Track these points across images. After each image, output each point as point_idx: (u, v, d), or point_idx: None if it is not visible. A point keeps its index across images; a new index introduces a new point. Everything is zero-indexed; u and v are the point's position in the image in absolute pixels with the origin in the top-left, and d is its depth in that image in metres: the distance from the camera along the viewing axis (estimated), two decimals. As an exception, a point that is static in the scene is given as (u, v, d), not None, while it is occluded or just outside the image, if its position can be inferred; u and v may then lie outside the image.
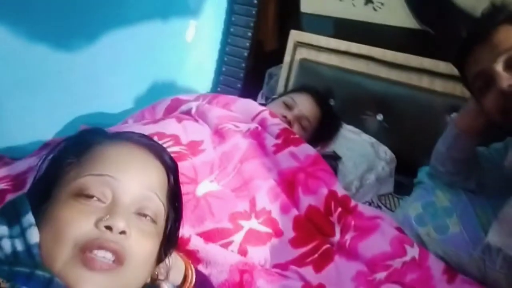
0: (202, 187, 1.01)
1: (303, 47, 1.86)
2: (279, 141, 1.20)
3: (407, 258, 1.02)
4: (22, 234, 0.55)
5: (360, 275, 0.98)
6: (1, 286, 0.48)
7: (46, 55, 1.43)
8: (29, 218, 0.57)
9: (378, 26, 1.70)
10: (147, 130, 1.07)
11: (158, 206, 0.63)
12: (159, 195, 0.64)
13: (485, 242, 0.92)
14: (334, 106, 1.67)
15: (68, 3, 1.47)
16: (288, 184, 1.12)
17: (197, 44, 1.94)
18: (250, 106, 1.35)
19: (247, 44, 2.00)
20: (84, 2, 1.53)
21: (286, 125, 1.28)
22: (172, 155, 0.71)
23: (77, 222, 0.55)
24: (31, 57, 1.40)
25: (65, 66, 1.50)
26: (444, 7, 1.51)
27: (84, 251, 0.54)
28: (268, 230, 1.01)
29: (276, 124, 1.25)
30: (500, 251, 0.90)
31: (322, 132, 1.50)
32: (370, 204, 1.37)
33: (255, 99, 1.67)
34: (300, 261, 0.98)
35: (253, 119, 1.28)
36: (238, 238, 0.96)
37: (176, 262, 0.71)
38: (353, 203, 1.13)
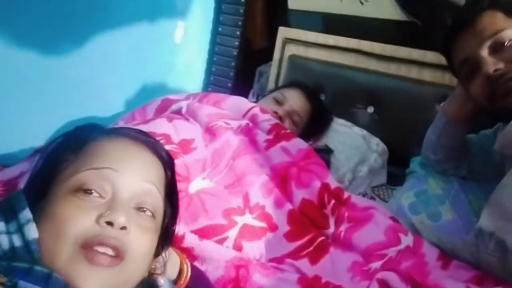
0: (195, 185, 1.01)
1: (292, 43, 1.87)
2: (270, 137, 1.20)
3: (401, 246, 1.02)
4: (20, 230, 0.55)
5: (356, 266, 0.99)
6: None
7: (34, 60, 1.43)
8: (26, 214, 0.56)
9: (365, 19, 1.71)
10: (137, 130, 1.07)
11: (157, 200, 0.63)
12: (159, 188, 0.64)
13: (477, 227, 0.92)
14: (324, 100, 1.68)
15: (56, 8, 1.47)
16: (281, 179, 1.12)
17: (186, 45, 1.94)
18: (240, 103, 1.35)
19: (236, 43, 2.00)
20: (72, 6, 1.53)
21: (277, 121, 1.29)
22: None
23: (78, 219, 0.55)
24: (19, 63, 1.40)
25: (55, 71, 1.50)
26: (430, -2, 1.52)
27: (85, 248, 0.54)
28: (262, 225, 1.01)
29: (267, 120, 1.26)
30: (492, 235, 0.91)
31: (313, 126, 1.50)
32: (364, 196, 1.37)
33: (246, 97, 1.68)
34: (295, 254, 0.99)
35: (243, 115, 1.28)
36: (232, 233, 0.96)
37: (171, 257, 0.72)
38: (346, 194, 1.14)
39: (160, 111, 1.34)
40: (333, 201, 1.10)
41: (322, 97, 1.69)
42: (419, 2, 1.59)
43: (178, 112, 1.29)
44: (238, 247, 0.95)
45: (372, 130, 1.58)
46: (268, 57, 1.95)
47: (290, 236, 1.02)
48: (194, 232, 0.93)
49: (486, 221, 0.90)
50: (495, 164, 1.01)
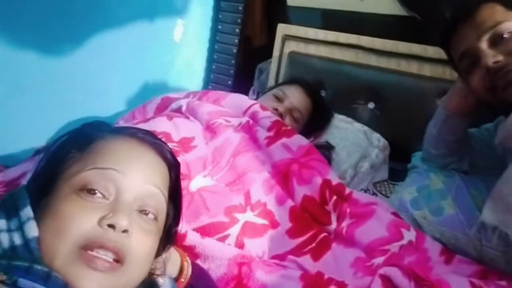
0: (196, 183, 1.01)
1: (291, 40, 1.86)
2: (271, 134, 1.20)
3: (404, 241, 1.02)
4: (20, 228, 0.55)
5: (358, 261, 0.99)
6: None
7: (34, 61, 1.43)
8: (28, 211, 0.56)
9: (365, 15, 1.71)
10: (138, 129, 1.07)
11: (160, 203, 0.63)
12: (162, 191, 0.64)
13: (480, 221, 0.92)
14: (325, 97, 1.67)
15: (55, 9, 1.47)
16: (282, 176, 1.12)
17: (185, 44, 1.94)
18: (240, 100, 1.35)
19: (236, 41, 1.99)
20: (71, 7, 1.52)
21: (277, 118, 1.28)
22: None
23: (80, 219, 0.55)
24: (19, 64, 1.40)
25: (54, 72, 1.49)
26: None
27: (85, 249, 0.53)
28: (264, 222, 1.01)
29: (267, 117, 1.25)
30: (495, 229, 0.91)
31: (314, 123, 1.50)
32: (366, 192, 1.37)
33: (246, 95, 1.67)
34: (298, 251, 0.99)
35: (244, 113, 1.28)
36: (234, 231, 0.96)
37: (171, 255, 0.71)
38: (347, 190, 1.13)
39: (160, 110, 1.34)
40: (334, 197, 1.10)
41: (323, 94, 1.69)
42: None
43: (178, 110, 1.29)
44: (240, 245, 0.95)
45: (373, 125, 1.57)
46: (268, 54, 1.94)
47: (292, 233, 1.01)
48: (196, 230, 0.93)
49: (489, 215, 0.90)
50: (497, 157, 1.01)
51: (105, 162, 0.60)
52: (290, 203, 1.07)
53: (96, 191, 0.57)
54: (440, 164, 1.19)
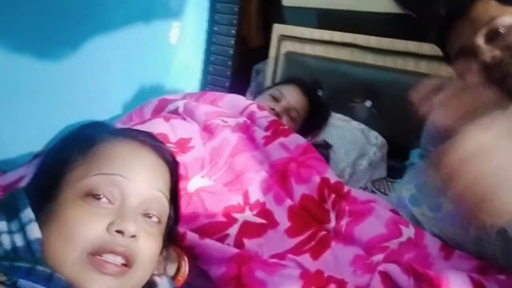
0: (194, 183, 1.01)
1: (287, 40, 1.87)
2: (268, 133, 1.20)
3: (403, 238, 1.02)
4: (22, 230, 0.55)
5: (358, 259, 0.98)
6: None
7: (31, 65, 1.43)
8: (28, 213, 0.56)
9: (360, 13, 1.71)
10: (135, 131, 1.07)
11: (164, 206, 0.64)
12: (165, 194, 0.64)
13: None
14: (322, 96, 1.68)
15: (51, 13, 1.47)
16: (281, 175, 1.12)
17: (181, 46, 1.94)
18: (237, 100, 1.35)
19: (232, 42, 2.00)
20: (66, 10, 1.52)
21: (274, 117, 1.28)
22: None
23: (88, 225, 0.55)
24: (15, 68, 1.40)
25: (51, 76, 1.49)
26: (423, -11, 1.52)
27: (94, 255, 0.54)
28: (263, 221, 1.01)
29: (264, 117, 1.25)
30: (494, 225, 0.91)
31: (311, 122, 1.50)
32: (364, 190, 1.37)
33: (243, 96, 1.68)
34: (297, 250, 0.99)
35: (241, 113, 1.28)
36: (233, 231, 0.96)
37: (169, 254, 0.72)
38: (346, 188, 1.13)
39: (157, 111, 1.34)
40: (333, 196, 1.10)
41: (320, 93, 1.69)
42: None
43: (175, 111, 1.29)
44: (239, 245, 0.95)
45: (371, 124, 1.57)
46: (265, 55, 1.95)
47: (291, 232, 1.01)
48: (195, 230, 0.93)
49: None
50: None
51: (110, 167, 0.60)
52: (288, 202, 1.07)
53: (102, 196, 0.58)
54: (438, 160, 1.19)
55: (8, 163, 1.31)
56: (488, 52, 0.91)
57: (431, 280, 0.86)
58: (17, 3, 1.38)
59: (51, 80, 1.49)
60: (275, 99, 1.46)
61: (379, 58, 1.61)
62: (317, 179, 1.10)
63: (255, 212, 1.02)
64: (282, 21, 1.93)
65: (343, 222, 1.07)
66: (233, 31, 1.99)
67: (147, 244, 0.59)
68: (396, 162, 1.49)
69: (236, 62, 2.02)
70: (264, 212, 1.03)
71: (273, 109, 1.40)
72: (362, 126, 1.56)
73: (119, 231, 0.56)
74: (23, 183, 1.00)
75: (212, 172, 1.07)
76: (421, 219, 1.09)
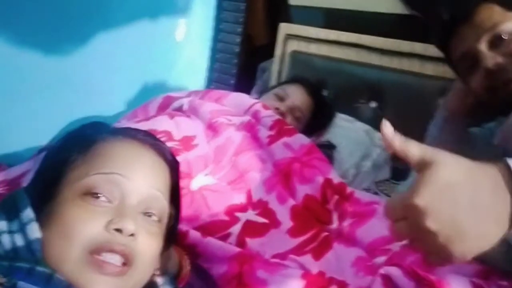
0: (197, 181, 1.01)
1: (293, 39, 1.86)
2: (272, 133, 1.20)
3: (405, 241, 1.02)
4: (22, 230, 0.55)
5: (360, 261, 0.98)
6: None
7: (37, 61, 1.44)
8: (29, 213, 0.57)
9: (367, 13, 1.70)
10: (139, 127, 1.07)
11: (163, 205, 0.64)
12: (165, 194, 0.64)
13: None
14: (327, 96, 1.67)
15: (56, 9, 1.48)
16: (284, 175, 1.12)
17: (187, 43, 1.94)
18: (242, 99, 1.35)
19: (238, 40, 2.00)
20: (72, 7, 1.53)
21: (279, 117, 1.28)
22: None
23: (86, 224, 0.55)
24: (21, 64, 1.41)
25: (57, 71, 1.50)
26: (430, -10, 1.51)
27: (94, 254, 0.54)
28: (265, 221, 1.01)
29: (269, 116, 1.25)
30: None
31: (315, 122, 1.50)
32: (368, 191, 1.36)
33: (248, 94, 1.67)
34: (299, 250, 0.99)
35: (245, 112, 1.28)
36: (235, 230, 0.96)
37: (170, 254, 0.72)
38: (349, 190, 1.13)
39: (162, 109, 1.34)
40: (336, 197, 1.10)
41: (325, 93, 1.69)
42: (420, -5, 1.58)
43: (180, 109, 1.29)
44: (241, 244, 0.95)
45: (375, 125, 1.56)
46: (270, 54, 1.95)
47: (293, 232, 1.01)
48: (197, 229, 0.93)
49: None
50: (499, 157, 1.00)
51: (109, 166, 0.60)
52: (291, 202, 1.07)
53: (101, 195, 0.58)
54: (442, 163, 1.19)
55: (13, 158, 1.31)
56: (491, 58, 0.90)
57: (433, 284, 0.86)
58: (22, -1, 1.39)
59: (56, 76, 1.50)
60: (280, 99, 1.46)
61: (384, 58, 1.60)
62: (320, 179, 1.10)
63: (257, 211, 1.02)
64: (288, 20, 1.92)
65: (346, 223, 1.07)
66: (239, 29, 1.98)
67: (147, 243, 0.59)
68: (400, 163, 1.48)
69: (242, 60, 2.02)
70: (266, 211, 1.03)
71: (277, 109, 1.39)
72: (367, 127, 1.55)
73: (117, 230, 0.56)
74: (27, 178, 1.01)
75: (215, 171, 1.08)
76: (423, 222, 1.08)
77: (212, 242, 0.92)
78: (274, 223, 1.01)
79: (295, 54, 1.83)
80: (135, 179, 0.61)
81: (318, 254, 0.99)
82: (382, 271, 0.90)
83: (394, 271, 0.89)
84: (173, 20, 1.88)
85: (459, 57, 0.99)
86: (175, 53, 1.91)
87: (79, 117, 1.53)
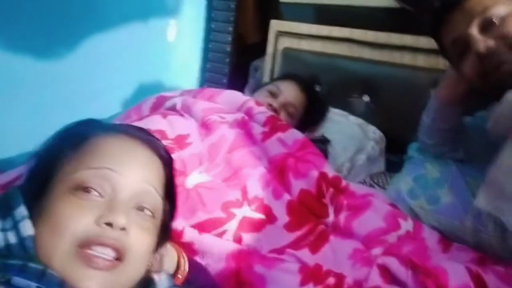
0: (192, 179, 1.02)
1: (284, 36, 1.87)
2: (266, 129, 1.20)
3: (401, 231, 1.02)
4: (15, 227, 0.55)
5: (357, 253, 0.99)
6: None
7: (30, 65, 1.44)
8: (22, 210, 0.56)
9: (357, 8, 1.71)
10: (133, 128, 1.08)
11: (156, 200, 0.63)
12: (158, 189, 0.64)
13: (474, 207, 0.92)
14: (320, 91, 1.68)
15: (49, 13, 1.48)
16: (279, 170, 1.12)
17: (179, 43, 1.95)
18: (234, 96, 1.35)
19: (229, 39, 2.00)
20: (65, 9, 1.53)
21: (272, 113, 1.29)
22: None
23: (77, 218, 0.55)
24: (14, 68, 1.40)
25: (50, 75, 1.50)
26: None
27: (83, 247, 0.53)
28: (261, 216, 1.01)
29: (262, 112, 1.26)
30: (490, 215, 0.91)
31: (309, 117, 1.50)
32: (363, 184, 1.37)
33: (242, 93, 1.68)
34: (296, 244, 0.99)
35: (238, 109, 1.29)
36: (232, 226, 0.96)
37: (168, 252, 0.72)
38: (344, 183, 1.14)
39: (155, 108, 1.34)
40: (331, 190, 1.10)
41: (318, 88, 1.69)
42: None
43: (173, 108, 1.29)
44: (238, 240, 0.95)
45: (369, 118, 1.57)
46: (262, 51, 1.95)
47: (290, 227, 1.01)
48: (193, 226, 0.93)
49: (482, 201, 0.90)
50: (491, 144, 1.01)
51: (100, 161, 0.60)
52: (287, 197, 1.07)
53: (92, 190, 0.57)
54: (436, 153, 1.19)
55: (7, 162, 1.31)
56: (482, 42, 0.91)
57: (430, 272, 0.86)
58: (15, 3, 1.39)
59: (49, 80, 1.49)
60: (273, 95, 1.46)
61: (376, 52, 1.61)
62: (315, 173, 1.11)
63: (253, 207, 1.02)
64: (279, 17, 1.93)
65: (342, 216, 1.07)
66: (230, 28, 1.99)
67: (139, 238, 0.58)
68: (394, 156, 1.49)
69: (234, 59, 2.02)
70: (262, 207, 1.03)
71: (270, 105, 1.40)
72: (360, 120, 1.56)
73: (108, 224, 0.55)
74: (20, 182, 1.00)
75: (210, 168, 1.08)
76: (419, 212, 1.09)
77: (209, 239, 0.92)
78: (270, 218, 1.01)
79: (287, 51, 1.84)
80: (127, 174, 0.60)
81: (315, 247, 0.99)
82: (379, 261, 0.91)
83: (391, 261, 0.89)
84: (164, 21, 1.88)
85: (450, 43, 0.99)
86: (167, 54, 1.92)
87: (73, 120, 1.53)
